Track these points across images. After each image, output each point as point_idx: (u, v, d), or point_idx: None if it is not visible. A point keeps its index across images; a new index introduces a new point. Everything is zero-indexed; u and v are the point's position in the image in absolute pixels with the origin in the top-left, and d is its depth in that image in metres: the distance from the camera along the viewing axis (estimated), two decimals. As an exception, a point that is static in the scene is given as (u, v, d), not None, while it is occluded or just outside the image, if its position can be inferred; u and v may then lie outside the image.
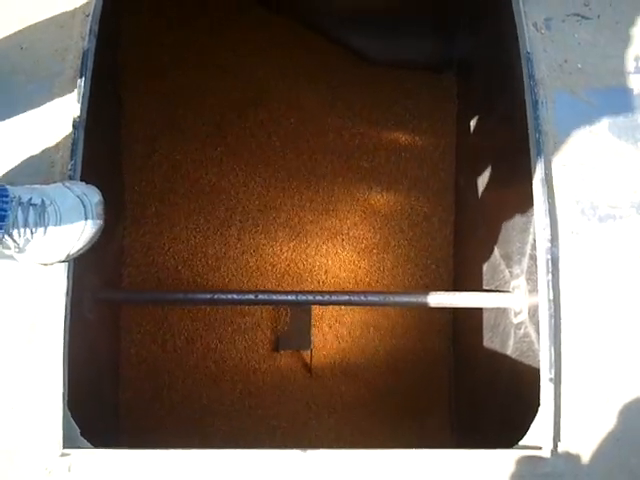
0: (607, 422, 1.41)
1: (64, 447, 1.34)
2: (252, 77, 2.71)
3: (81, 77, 1.50)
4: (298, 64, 2.76)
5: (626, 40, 1.59)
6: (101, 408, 2.10)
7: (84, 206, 1.38)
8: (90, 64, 1.51)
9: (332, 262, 2.66)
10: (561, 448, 1.39)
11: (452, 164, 2.71)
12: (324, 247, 2.66)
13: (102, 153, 2.12)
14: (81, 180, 1.45)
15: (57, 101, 1.51)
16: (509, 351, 1.88)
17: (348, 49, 2.74)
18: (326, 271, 2.66)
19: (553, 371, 1.40)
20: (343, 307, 2.64)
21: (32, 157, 1.46)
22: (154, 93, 2.64)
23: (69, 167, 1.44)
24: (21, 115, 1.49)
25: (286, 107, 2.71)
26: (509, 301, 1.83)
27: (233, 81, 2.70)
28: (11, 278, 1.40)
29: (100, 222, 1.40)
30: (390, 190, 2.71)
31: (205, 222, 2.60)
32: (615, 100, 1.55)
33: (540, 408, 1.41)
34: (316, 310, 2.60)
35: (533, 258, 1.60)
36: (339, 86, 2.76)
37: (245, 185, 2.64)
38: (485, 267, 2.16)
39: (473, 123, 2.42)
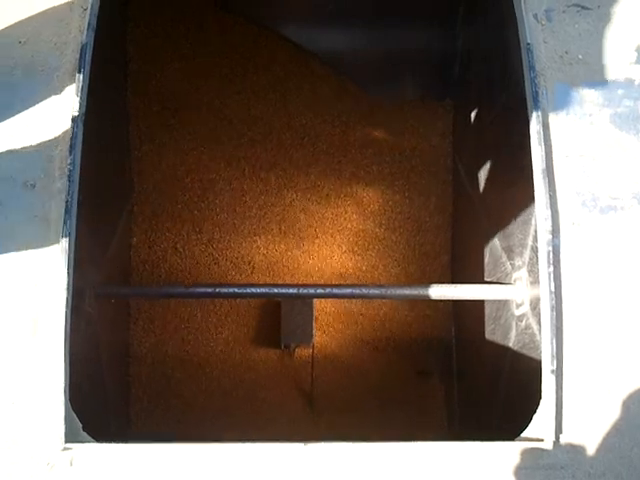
0: (609, 413, 1.41)
1: (66, 441, 1.34)
2: (253, 94, 2.72)
3: (80, 71, 1.49)
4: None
5: (626, 30, 1.58)
6: (106, 402, 2.10)
7: None
8: (89, 58, 1.50)
9: (329, 257, 2.67)
10: (563, 440, 1.39)
11: (450, 160, 2.71)
12: (321, 243, 2.67)
13: (108, 150, 2.12)
14: (82, 177, 1.45)
15: (56, 95, 1.50)
16: (511, 343, 1.88)
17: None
18: (324, 266, 2.67)
19: (555, 363, 1.40)
20: (344, 300, 2.65)
21: (30, 152, 1.46)
22: (161, 95, 2.65)
23: (68, 162, 1.44)
24: (20, 110, 1.48)
25: (287, 117, 2.73)
26: (511, 293, 1.83)
27: (236, 90, 2.71)
28: (12, 273, 1.40)
29: None
30: (387, 187, 2.72)
31: (210, 220, 2.63)
32: (616, 91, 1.54)
33: (542, 400, 1.40)
34: (316, 304, 2.61)
35: (535, 250, 1.59)
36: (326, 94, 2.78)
37: (247, 186, 2.66)
38: (487, 259, 2.15)
39: (473, 117, 2.42)
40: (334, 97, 2.74)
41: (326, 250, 2.67)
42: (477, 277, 2.23)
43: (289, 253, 2.66)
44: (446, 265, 2.69)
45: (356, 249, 2.68)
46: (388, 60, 2.73)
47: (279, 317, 2.57)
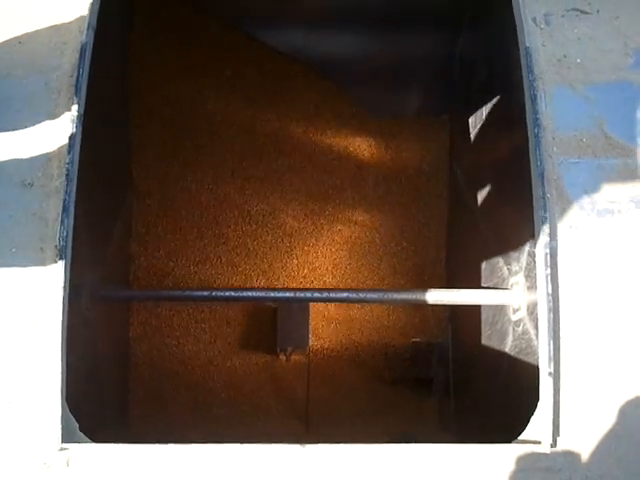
0: (605, 416, 1.41)
1: (62, 442, 1.34)
2: (262, 109, 2.74)
3: (79, 71, 1.49)
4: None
5: (625, 35, 1.59)
6: (103, 403, 2.09)
7: None
8: (88, 58, 1.50)
9: (325, 264, 2.68)
10: (560, 442, 1.39)
11: (446, 166, 2.73)
12: (320, 250, 2.68)
13: (106, 151, 2.12)
14: (80, 177, 1.44)
15: (55, 95, 1.50)
16: (507, 348, 1.88)
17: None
18: (321, 272, 2.67)
19: (552, 365, 1.40)
20: (340, 305, 2.65)
21: (29, 151, 1.46)
22: (162, 98, 2.66)
23: (66, 161, 1.43)
24: (19, 109, 1.48)
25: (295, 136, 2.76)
26: (507, 298, 1.83)
27: (240, 101, 2.72)
28: (10, 272, 1.39)
29: None
30: (384, 192, 2.74)
31: (210, 226, 2.64)
32: (614, 95, 1.55)
33: (539, 402, 1.40)
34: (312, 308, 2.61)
35: (532, 255, 1.59)
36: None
37: (248, 194, 2.68)
38: (483, 265, 2.15)
39: (471, 122, 2.42)
40: (354, 133, 2.78)
41: (323, 257, 2.68)
42: (474, 282, 2.23)
43: (294, 275, 2.67)
44: (442, 271, 2.70)
45: (353, 256, 2.69)
46: (390, 74, 2.75)
47: (275, 322, 2.56)
